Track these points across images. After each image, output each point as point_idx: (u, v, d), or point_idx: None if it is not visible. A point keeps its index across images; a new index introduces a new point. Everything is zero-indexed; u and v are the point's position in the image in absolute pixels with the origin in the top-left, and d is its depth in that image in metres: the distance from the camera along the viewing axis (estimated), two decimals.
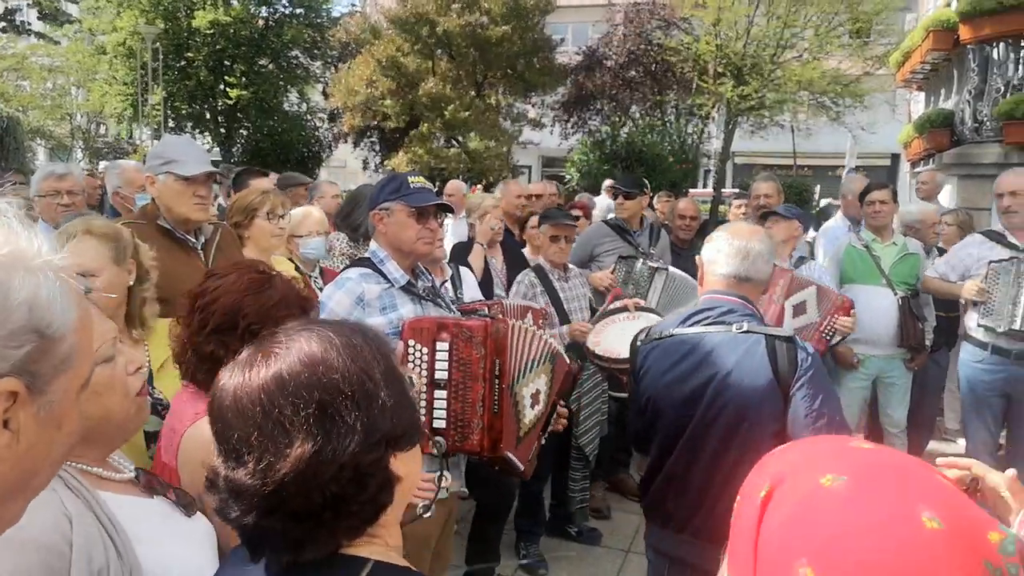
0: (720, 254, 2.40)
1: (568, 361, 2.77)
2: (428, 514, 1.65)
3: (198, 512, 1.56)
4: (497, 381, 2.53)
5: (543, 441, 2.72)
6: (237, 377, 1.01)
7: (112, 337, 1.47)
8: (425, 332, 2.51)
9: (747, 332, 2.26)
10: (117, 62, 22.35)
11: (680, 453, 2.31)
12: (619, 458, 5.21)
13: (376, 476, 1.00)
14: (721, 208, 16.83)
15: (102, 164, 10.13)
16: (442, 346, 2.50)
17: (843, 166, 17.87)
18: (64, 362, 0.79)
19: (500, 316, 3.20)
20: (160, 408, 2.09)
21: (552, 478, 4.39)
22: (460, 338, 2.50)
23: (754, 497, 0.77)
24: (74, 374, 0.81)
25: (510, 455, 2.55)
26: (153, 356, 2.37)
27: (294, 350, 1.00)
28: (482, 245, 4.51)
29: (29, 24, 10.54)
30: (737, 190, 11.12)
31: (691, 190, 16.93)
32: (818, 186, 20.36)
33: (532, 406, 2.62)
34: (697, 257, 2.53)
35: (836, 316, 3.97)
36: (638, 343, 2.49)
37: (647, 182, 5.49)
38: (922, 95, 13.26)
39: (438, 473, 1.89)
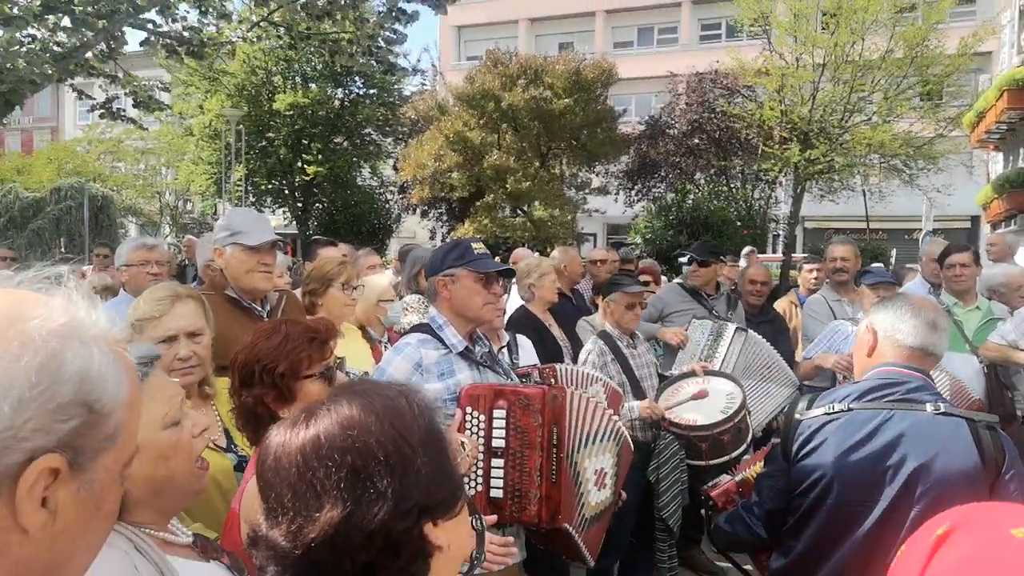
0: (905, 324, 2.22)
1: (632, 448, 2.70)
2: None
3: None
4: (555, 450, 2.50)
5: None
6: (280, 436, 1.02)
7: (180, 400, 1.51)
8: (482, 399, 2.51)
9: (945, 415, 2.08)
10: (203, 143, 23.73)
11: (862, 540, 2.08)
12: (690, 533, 4.99)
13: (409, 545, 0.97)
14: (792, 273, 16.46)
15: (186, 237, 10.65)
16: (499, 413, 2.48)
17: (919, 229, 17.33)
18: (109, 439, 0.75)
19: (553, 380, 3.18)
20: (245, 464, 2.16)
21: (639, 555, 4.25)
22: (517, 406, 2.48)
23: (926, 537, 0.74)
24: (118, 452, 0.77)
25: (570, 529, 2.49)
26: (222, 413, 2.43)
27: (335, 412, 1.00)
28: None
29: (124, 111, 11.43)
30: (806, 255, 10.88)
31: (759, 255, 16.65)
32: (894, 250, 19.75)
33: (598, 486, 2.56)
34: (862, 324, 2.37)
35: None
36: (797, 415, 2.27)
37: (721, 248, 5.48)
38: (1000, 155, 12.84)
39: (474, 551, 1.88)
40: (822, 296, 5.32)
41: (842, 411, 2.16)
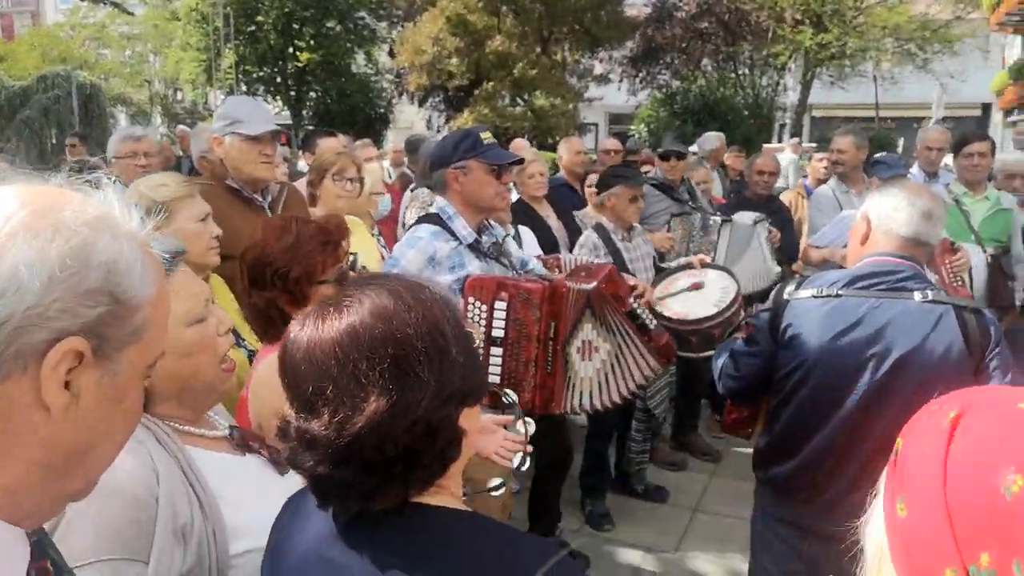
0: (899, 213, 2.19)
1: (596, 284, 2.69)
2: (498, 493, 1.65)
3: (291, 471, 1.58)
4: (551, 343, 2.59)
5: (660, 335, 2.78)
6: (309, 329, 1.02)
7: (205, 299, 1.50)
8: (485, 290, 2.57)
9: (933, 302, 2.08)
10: (190, 28, 22.86)
11: (840, 426, 2.14)
12: (686, 420, 5.15)
13: (446, 431, 1.01)
14: (800, 163, 16.24)
15: (179, 127, 10.45)
16: (500, 305, 2.55)
17: (929, 118, 16.95)
18: (135, 333, 0.78)
19: (557, 271, 3.21)
20: (254, 357, 2.21)
21: (617, 437, 4.36)
22: (518, 299, 2.55)
23: (936, 424, 0.76)
24: (144, 348, 0.80)
25: (562, 412, 2.64)
26: (229, 310, 2.43)
27: (366, 303, 1.01)
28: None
29: None
30: (816, 144, 10.67)
31: (765, 145, 16.37)
32: (901, 139, 19.40)
33: (583, 358, 2.64)
34: (856, 212, 2.33)
35: (947, 261, 3.75)
36: (785, 296, 2.27)
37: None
38: (1018, 39, 12.39)
39: (521, 429, 1.95)
40: (829, 188, 5.24)
41: (830, 296, 2.17)
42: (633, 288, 2.91)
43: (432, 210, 2.86)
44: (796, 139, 9.19)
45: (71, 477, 0.79)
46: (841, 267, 4.28)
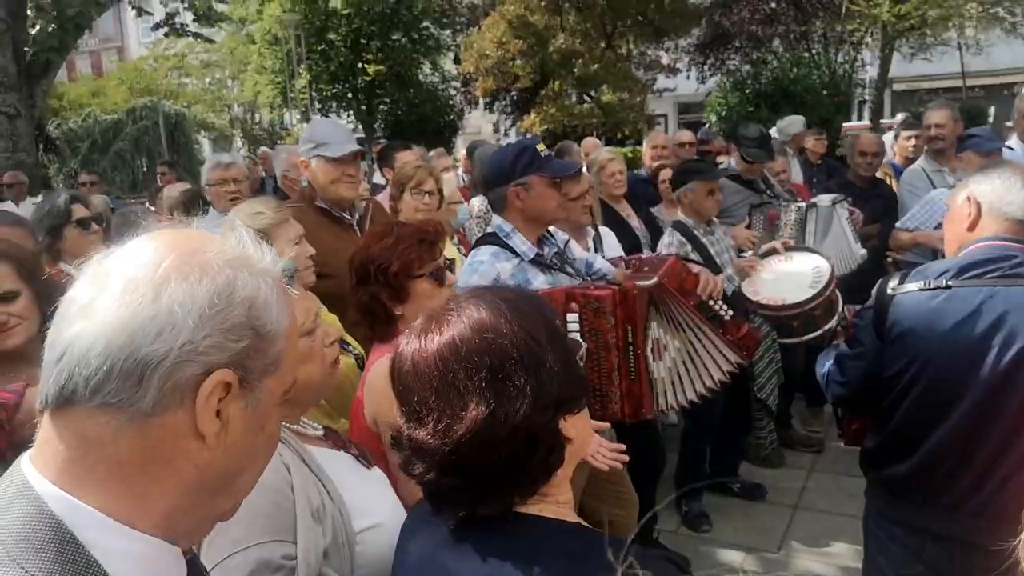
0: (1015, 196, 2.06)
1: (655, 279, 2.60)
2: None
3: (375, 467, 1.72)
4: (631, 348, 2.50)
5: (738, 328, 2.70)
6: (414, 343, 1.09)
7: (315, 312, 1.66)
8: (555, 303, 2.49)
9: None
10: (265, 51, 23.70)
11: (958, 425, 2.02)
12: (781, 413, 5.02)
13: (547, 439, 1.04)
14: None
15: (261, 150, 10.89)
16: (572, 317, 2.48)
17: (1022, 83, 15.98)
18: (273, 364, 0.84)
19: (639, 265, 3.16)
20: (361, 361, 2.40)
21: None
22: (588, 308, 2.47)
23: None
24: (280, 378, 0.86)
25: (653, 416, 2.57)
26: (331, 321, 2.54)
27: (465, 317, 1.06)
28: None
29: (186, 25, 11.50)
30: (900, 117, 10.17)
31: (845, 124, 15.78)
32: (992, 108, 18.36)
33: (655, 358, 2.56)
34: (959, 196, 2.19)
35: None
36: (889, 292, 2.15)
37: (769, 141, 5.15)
38: None
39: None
40: (920, 167, 4.99)
41: (940, 288, 2.04)
42: (699, 278, 2.77)
43: (489, 229, 2.84)
44: (904, 114, 8.63)
45: (221, 499, 0.85)
46: (934, 252, 4.12)
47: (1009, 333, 1.93)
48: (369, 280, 2.09)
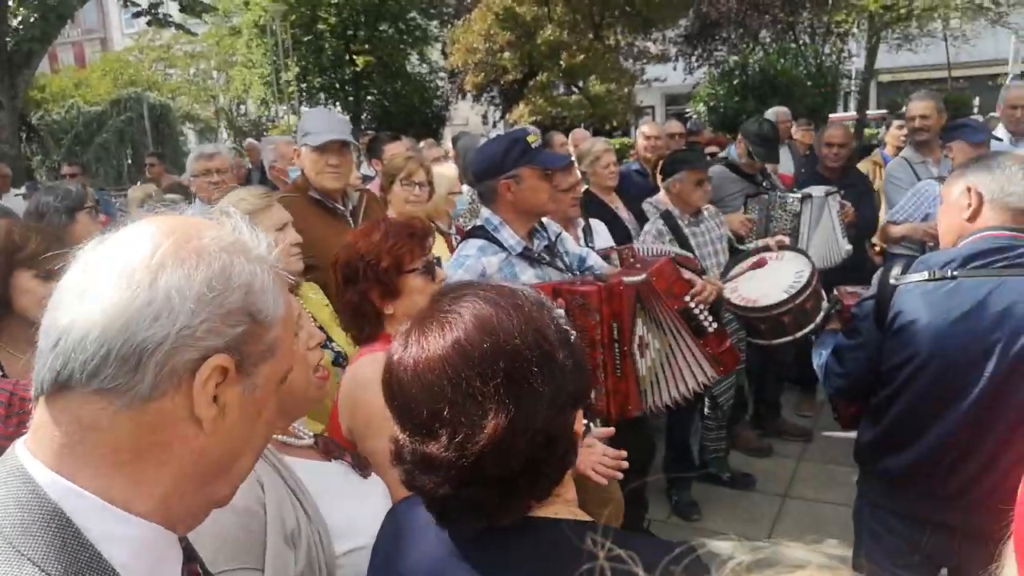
0: (1015, 185, 2.06)
1: (643, 277, 2.59)
2: None
3: (372, 474, 1.64)
4: (617, 345, 2.48)
5: (720, 340, 2.66)
6: (414, 349, 0.99)
7: (297, 312, 1.53)
8: None
9: None
10: (252, 42, 23.46)
11: (963, 417, 2.01)
12: (769, 403, 5.05)
13: (564, 437, 0.99)
14: (867, 132, 15.66)
15: (247, 141, 10.80)
16: (558, 313, 2.47)
17: (1005, 74, 16.10)
18: (270, 349, 0.83)
19: (632, 262, 3.14)
20: (342, 360, 2.30)
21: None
22: (574, 305, 2.45)
23: None
24: (276, 365, 0.85)
25: (641, 414, 2.56)
26: (317, 313, 2.52)
27: (466, 315, 0.98)
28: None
29: (170, 16, 11.42)
30: (885, 111, 10.24)
31: (831, 115, 15.84)
32: (977, 99, 18.49)
33: (641, 355, 2.55)
34: (956, 186, 2.18)
35: None
36: (892, 281, 2.13)
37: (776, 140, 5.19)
38: None
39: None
40: (904, 159, 5.01)
41: (945, 278, 2.02)
42: (691, 285, 2.74)
43: (477, 222, 2.81)
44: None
45: (218, 485, 0.85)
46: (923, 244, 4.14)
47: (1018, 322, 1.92)
48: (358, 278, 2.01)
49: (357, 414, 1.90)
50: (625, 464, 2.08)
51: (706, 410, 4.23)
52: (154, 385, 0.74)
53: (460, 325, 0.97)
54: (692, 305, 2.65)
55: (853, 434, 2.41)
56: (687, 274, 2.82)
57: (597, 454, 2.04)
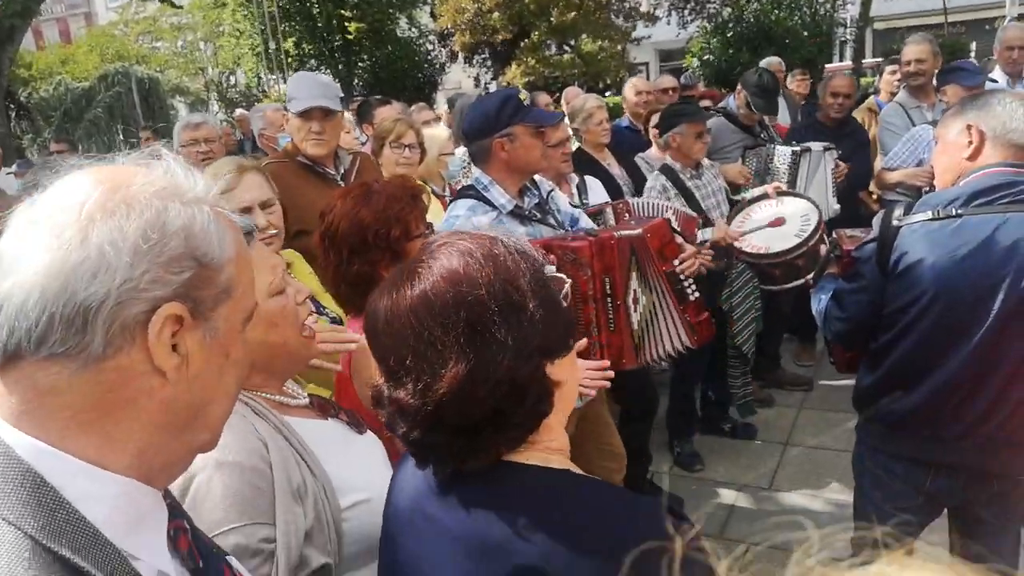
0: (1019, 122, 2.03)
1: (639, 231, 2.58)
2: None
3: (368, 431, 1.65)
4: (610, 299, 2.48)
5: (699, 311, 2.64)
6: (386, 299, 1.02)
7: (281, 269, 1.55)
8: None
9: None
10: (237, 13, 23.10)
11: (970, 356, 1.99)
12: (771, 353, 5.07)
13: (533, 387, 0.99)
14: (863, 80, 15.48)
15: (237, 111, 10.70)
16: (550, 269, 2.47)
17: (1003, 16, 15.86)
18: (225, 291, 0.81)
19: (626, 217, 3.13)
20: (339, 324, 2.25)
21: (704, 377, 4.35)
22: (566, 260, 2.44)
23: None
24: (236, 304, 0.83)
25: (634, 367, 2.55)
26: (305, 280, 2.49)
27: (435, 268, 1.00)
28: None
29: None
30: (881, 59, 10.12)
31: (827, 65, 15.65)
32: (974, 43, 18.24)
33: (635, 309, 2.56)
34: (953, 126, 2.15)
35: None
36: (895, 222, 2.10)
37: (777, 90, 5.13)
38: None
39: None
40: (898, 104, 4.96)
41: (949, 217, 2.00)
42: (681, 250, 2.72)
43: (467, 182, 2.79)
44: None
45: (195, 431, 0.84)
46: (919, 190, 4.12)
47: (1022, 261, 1.91)
48: (368, 248, 1.97)
49: (362, 375, 1.91)
50: (611, 374, 2.10)
51: (729, 359, 4.27)
52: (106, 343, 0.72)
53: (429, 277, 0.99)
54: (679, 270, 2.65)
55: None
56: (679, 240, 2.80)
57: (579, 372, 2.06)
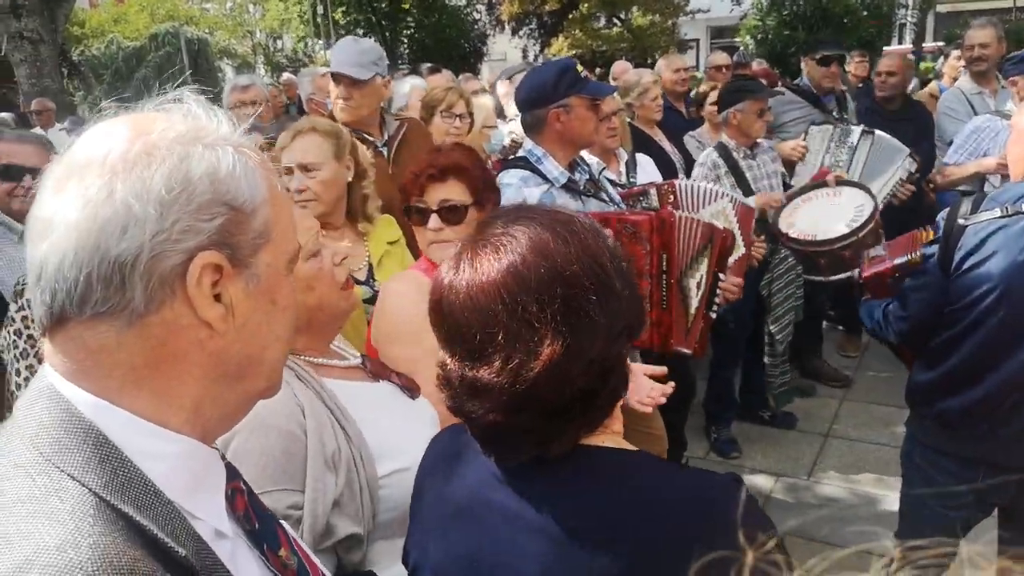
0: None
1: (723, 228, 2.60)
2: None
3: (421, 396, 1.64)
4: (664, 276, 2.46)
5: (712, 317, 2.64)
6: (466, 273, 0.96)
7: (315, 232, 1.55)
8: None
9: None
10: None
11: None
12: (808, 344, 4.96)
13: (618, 369, 0.97)
14: (923, 65, 14.95)
15: (284, 76, 10.73)
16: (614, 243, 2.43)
17: None
18: (262, 235, 0.79)
19: (672, 199, 3.06)
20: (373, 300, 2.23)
21: (744, 363, 4.26)
22: (624, 234, 2.41)
23: None
24: (276, 248, 0.81)
25: (682, 350, 2.53)
26: (372, 251, 2.48)
27: (522, 240, 0.95)
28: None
29: None
30: (942, 43, 9.73)
31: (886, 48, 15.13)
32: None
33: (697, 295, 2.54)
34: (993, 117, 2.13)
35: None
36: (961, 220, 2.06)
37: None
38: None
39: None
40: (959, 89, 4.75)
41: (1018, 214, 1.93)
42: (726, 265, 2.69)
43: (520, 153, 2.75)
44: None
45: (252, 379, 0.82)
46: (982, 181, 3.92)
47: None
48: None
49: (382, 321, 1.94)
50: (669, 389, 2.08)
51: (766, 348, 4.19)
52: (148, 298, 0.71)
53: (516, 249, 0.94)
54: (721, 287, 2.64)
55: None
56: (736, 234, 2.81)
57: (645, 387, 2.02)
